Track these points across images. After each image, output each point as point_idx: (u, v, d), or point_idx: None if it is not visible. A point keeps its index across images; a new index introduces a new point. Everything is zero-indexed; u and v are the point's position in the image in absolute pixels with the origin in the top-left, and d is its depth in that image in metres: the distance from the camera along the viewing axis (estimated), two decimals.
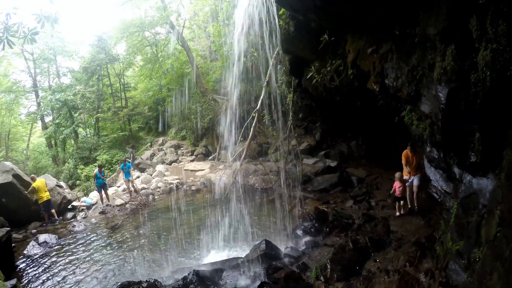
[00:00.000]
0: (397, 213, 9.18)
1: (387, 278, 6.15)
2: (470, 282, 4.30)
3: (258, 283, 6.81)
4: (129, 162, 15.70)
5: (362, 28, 7.58)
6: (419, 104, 6.26)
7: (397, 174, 9.14)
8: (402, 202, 9.14)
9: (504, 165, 3.98)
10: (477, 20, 4.11)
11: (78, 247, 10.73)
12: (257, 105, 10.72)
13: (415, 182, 8.95)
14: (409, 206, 9.20)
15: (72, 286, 8.37)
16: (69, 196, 15.11)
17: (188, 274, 7.44)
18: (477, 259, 4.27)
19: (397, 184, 9.09)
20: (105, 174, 20.28)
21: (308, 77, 9.80)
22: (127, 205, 14.60)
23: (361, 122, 12.64)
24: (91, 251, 10.39)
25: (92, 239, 11.37)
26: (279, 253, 8.42)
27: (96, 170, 15.15)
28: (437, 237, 6.35)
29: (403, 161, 8.99)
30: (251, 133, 11.04)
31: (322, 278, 6.97)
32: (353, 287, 6.35)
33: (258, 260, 7.98)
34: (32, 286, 8.39)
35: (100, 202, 14.97)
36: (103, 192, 14.97)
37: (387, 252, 7.20)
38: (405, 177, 9.07)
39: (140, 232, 11.68)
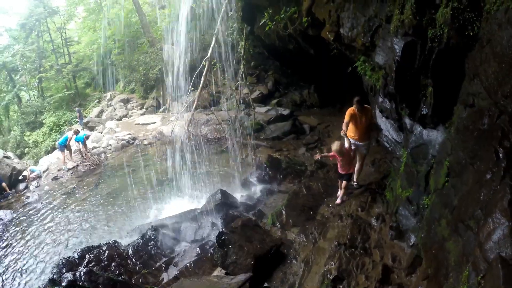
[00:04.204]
0: (338, 200, 7.22)
1: (341, 222, 6.50)
2: (420, 227, 4.67)
3: (216, 233, 6.94)
4: (80, 136, 14.94)
5: None
6: (373, 55, 6.33)
7: (335, 145, 6.67)
8: (345, 183, 7.02)
9: (454, 120, 4.20)
10: None
11: (35, 219, 10.39)
12: (208, 53, 10.31)
13: (363, 150, 7.30)
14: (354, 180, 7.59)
15: (34, 260, 8.22)
16: (18, 166, 14.22)
17: (147, 230, 7.47)
18: (426, 206, 4.62)
19: (337, 157, 6.79)
20: (55, 137, 19.17)
21: (261, 24, 9.49)
22: (80, 167, 14.12)
23: (313, 71, 12.69)
24: (49, 221, 10.13)
25: (48, 208, 11.01)
26: (235, 201, 8.61)
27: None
28: (387, 184, 6.76)
29: (346, 119, 6.97)
30: (201, 82, 10.70)
31: (278, 224, 7.26)
32: (308, 231, 6.66)
33: (215, 210, 8.11)
34: None
35: (62, 165, 14.40)
36: (66, 152, 14.47)
37: None
38: (346, 144, 6.93)
39: (95, 193, 11.45)
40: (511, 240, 2.44)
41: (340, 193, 7.26)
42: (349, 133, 7.11)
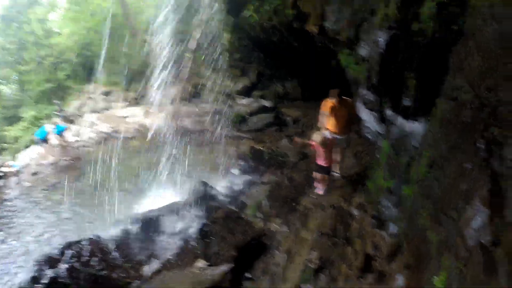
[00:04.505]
0: (320, 191, 7.26)
1: (322, 212, 6.57)
2: (401, 217, 4.77)
3: (198, 225, 6.94)
4: (60, 126, 14.63)
5: None
6: (357, 48, 6.37)
7: (317, 135, 6.72)
8: (325, 176, 7.06)
9: (436, 112, 4.29)
10: None
11: (15, 215, 10.26)
12: (192, 45, 10.21)
13: (342, 144, 7.30)
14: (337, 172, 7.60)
15: (15, 257, 8.13)
16: None
17: (128, 224, 7.42)
18: (407, 197, 4.72)
19: (317, 148, 6.78)
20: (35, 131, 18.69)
21: (245, 16, 9.46)
22: (60, 162, 13.89)
23: (297, 64, 12.71)
24: (29, 217, 10.02)
25: (28, 204, 10.92)
26: (217, 193, 8.63)
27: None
28: (368, 175, 6.85)
29: (325, 111, 6.97)
30: (185, 74, 10.62)
31: (260, 215, 7.31)
32: (290, 222, 6.72)
33: (197, 202, 8.08)
34: None
35: (42, 160, 14.16)
36: (46, 146, 14.27)
37: None
38: (326, 134, 6.89)
39: (76, 187, 11.33)
40: (491, 227, 2.51)
41: (320, 185, 7.26)
42: (329, 126, 7.02)
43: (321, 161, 6.87)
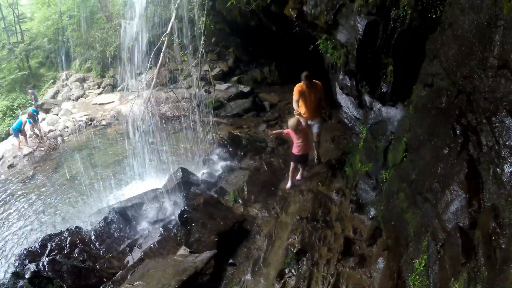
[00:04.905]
0: (299, 177, 7.20)
1: (302, 197, 6.65)
2: (379, 201, 4.91)
3: (178, 211, 6.89)
4: (34, 109, 14.14)
5: None
6: (336, 33, 6.37)
7: (291, 121, 6.37)
8: (301, 165, 7.01)
9: (412, 98, 4.39)
10: None
11: None
12: (167, 29, 9.95)
13: (315, 129, 7.15)
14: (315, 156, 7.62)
15: None
16: None
17: (109, 213, 7.29)
18: (384, 180, 4.85)
19: (292, 135, 6.55)
20: (9, 122, 18.04)
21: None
22: (36, 153, 13.40)
23: (275, 49, 12.66)
24: (6, 211, 9.64)
25: (5, 197, 10.47)
26: (196, 179, 8.54)
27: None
28: (346, 160, 6.97)
29: (295, 97, 6.75)
30: (160, 59, 10.36)
31: (240, 200, 7.31)
32: (270, 206, 6.77)
33: (176, 189, 8.02)
34: None
35: (17, 151, 13.61)
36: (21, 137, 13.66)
37: None
38: (303, 122, 6.64)
39: (54, 178, 11.01)
40: (468, 211, 2.63)
41: (294, 174, 7.19)
42: (300, 111, 6.81)
43: (295, 150, 6.68)
